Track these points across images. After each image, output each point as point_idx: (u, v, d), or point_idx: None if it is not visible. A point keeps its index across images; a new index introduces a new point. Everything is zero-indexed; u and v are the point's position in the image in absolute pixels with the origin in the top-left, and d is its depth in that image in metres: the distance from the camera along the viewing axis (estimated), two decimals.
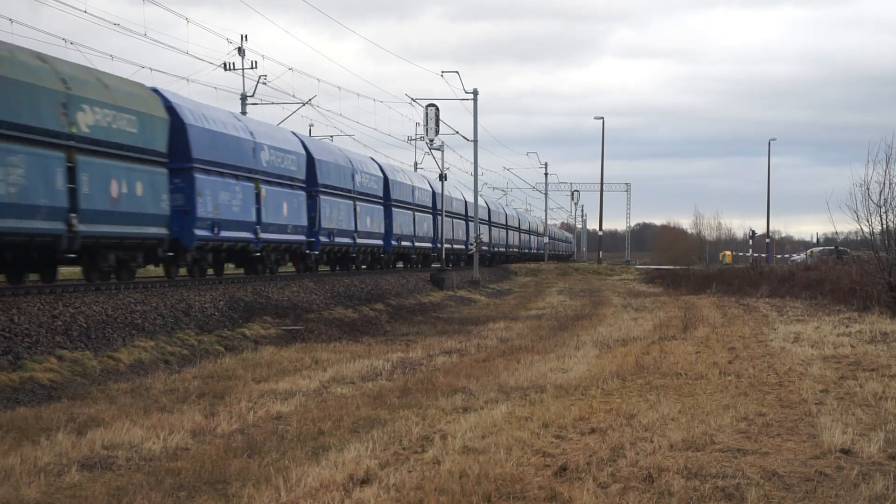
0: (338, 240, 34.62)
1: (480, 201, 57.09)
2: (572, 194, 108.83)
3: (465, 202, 56.96)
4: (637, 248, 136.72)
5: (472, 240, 53.80)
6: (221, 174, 25.53)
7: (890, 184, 26.12)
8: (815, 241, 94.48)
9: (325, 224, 33.15)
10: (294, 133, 33.77)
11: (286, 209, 29.79)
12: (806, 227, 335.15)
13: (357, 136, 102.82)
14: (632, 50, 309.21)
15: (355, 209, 36.59)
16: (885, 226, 26.47)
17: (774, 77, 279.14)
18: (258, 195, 27.74)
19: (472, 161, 50.84)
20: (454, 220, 53.88)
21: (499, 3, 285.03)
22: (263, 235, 27.99)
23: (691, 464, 8.57)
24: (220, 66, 43.30)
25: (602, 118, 79.42)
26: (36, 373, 14.70)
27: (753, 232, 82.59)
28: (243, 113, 42.60)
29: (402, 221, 43.33)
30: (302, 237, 31.23)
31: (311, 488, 8.13)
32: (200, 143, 24.42)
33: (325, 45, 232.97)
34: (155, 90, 23.93)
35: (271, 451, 9.82)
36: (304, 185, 31.66)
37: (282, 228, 29.53)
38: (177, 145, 23.23)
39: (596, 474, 8.27)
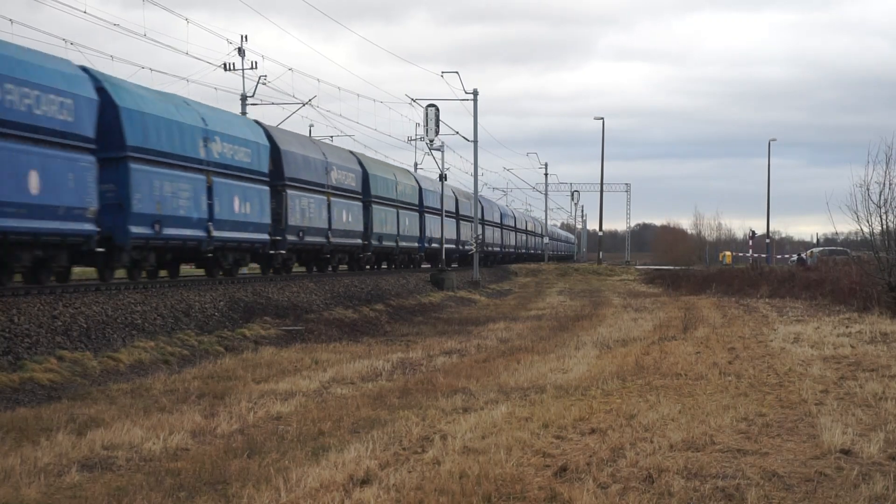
0: (168, 231, 22.64)
1: (450, 195, 57.02)
2: (572, 195, 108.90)
3: (419, 188, 47.99)
4: (637, 249, 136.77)
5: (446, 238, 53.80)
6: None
7: (890, 184, 26.18)
8: (815, 241, 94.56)
9: (138, 208, 21.42)
10: (84, 68, 21.23)
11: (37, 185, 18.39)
12: (806, 227, 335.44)
13: (357, 137, 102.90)
14: (621, 53, 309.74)
15: (210, 189, 24.83)
16: (885, 226, 26.50)
17: (765, 79, 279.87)
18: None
19: (472, 161, 50.88)
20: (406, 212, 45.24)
21: (485, 6, 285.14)
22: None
23: (691, 464, 8.57)
24: (220, 66, 43.36)
25: (602, 118, 79.29)
26: (36, 373, 14.71)
27: (753, 232, 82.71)
28: (243, 113, 42.63)
29: (305, 207, 31.63)
30: (87, 226, 19.71)
31: (311, 489, 8.13)
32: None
33: (317, 48, 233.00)
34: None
35: (271, 452, 9.81)
36: (92, 149, 20.02)
37: (40, 211, 18.32)
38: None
39: (596, 475, 8.27)
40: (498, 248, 67.80)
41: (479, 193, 54.30)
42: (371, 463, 8.91)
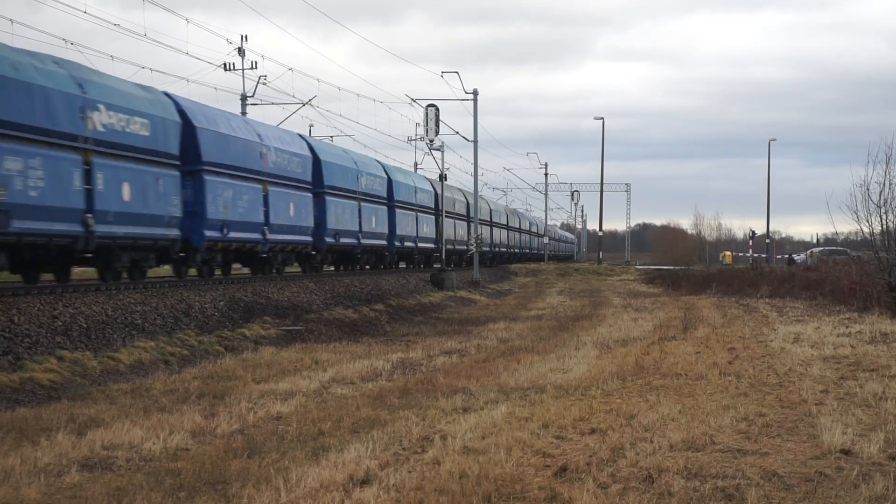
0: (21, 224, 17.81)
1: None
2: (572, 195, 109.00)
3: (389, 180, 43.40)
4: (637, 249, 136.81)
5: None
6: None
7: (890, 184, 26.16)
8: (815, 241, 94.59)
9: None
10: None
11: None
12: (806, 227, 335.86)
13: (357, 137, 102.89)
14: (619, 53, 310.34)
15: (89, 172, 19.86)
16: (885, 226, 26.49)
17: (763, 80, 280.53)
18: None
19: (472, 161, 50.89)
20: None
21: (483, 6, 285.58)
22: None
23: (691, 464, 8.57)
24: (220, 66, 43.41)
25: (602, 118, 79.36)
26: (36, 373, 14.70)
27: (753, 232, 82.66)
28: (243, 114, 42.63)
29: (231, 198, 26.68)
30: None
31: (311, 489, 8.13)
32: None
33: (316, 48, 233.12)
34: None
35: (271, 452, 9.81)
36: None
37: None
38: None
39: (596, 475, 8.27)
40: (487, 248, 64.72)
41: (479, 193, 54.24)
42: (371, 463, 8.91)
